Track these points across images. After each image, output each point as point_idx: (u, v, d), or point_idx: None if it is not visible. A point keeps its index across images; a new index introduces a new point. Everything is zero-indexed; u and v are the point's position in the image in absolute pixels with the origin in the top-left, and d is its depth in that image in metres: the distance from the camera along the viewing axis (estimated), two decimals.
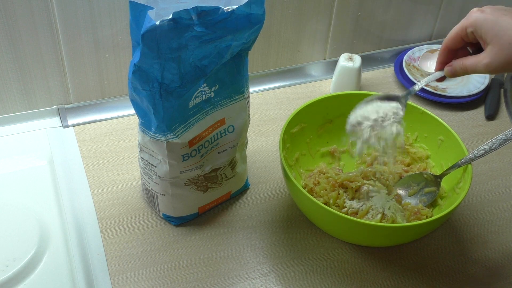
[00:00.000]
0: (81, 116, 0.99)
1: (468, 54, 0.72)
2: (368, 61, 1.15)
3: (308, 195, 0.75)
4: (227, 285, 0.77)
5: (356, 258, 0.81)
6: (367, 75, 1.13)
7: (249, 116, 0.82)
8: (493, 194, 0.92)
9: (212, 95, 0.74)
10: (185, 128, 0.74)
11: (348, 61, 1.05)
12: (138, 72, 0.68)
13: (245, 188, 0.90)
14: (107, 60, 0.97)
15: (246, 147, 0.86)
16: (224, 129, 0.78)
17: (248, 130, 0.87)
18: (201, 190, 0.81)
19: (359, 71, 1.05)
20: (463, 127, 1.04)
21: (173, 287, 0.77)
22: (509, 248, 0.84)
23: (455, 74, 0.72)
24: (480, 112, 1.08)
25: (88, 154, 0.93)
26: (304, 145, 0.91)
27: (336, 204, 0.83)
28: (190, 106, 0.73)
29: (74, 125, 0.98)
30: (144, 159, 0.79)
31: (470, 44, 0.71)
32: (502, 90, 1.12)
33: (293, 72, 1.13)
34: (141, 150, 0.79)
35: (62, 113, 0.99)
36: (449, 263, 0.82)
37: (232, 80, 0.75)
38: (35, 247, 0.79)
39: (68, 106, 1.00)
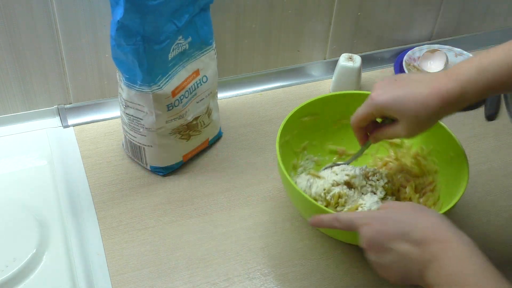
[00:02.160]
0: (81, 116, 0.99)
1: (377, 124, 0.78)
2: (368, 61, 1.15)
3: (305, 195, 0.75)
4: (227, 285, 0.77)
5: (356, 258, 0.81)
6: (367, 75, 1.13)
7: (216, 66, 0.90)
8: (493, 194, 0.92)
9: (187, 47, 0.83)
10: (167, 79, 0.82)
11: (348, 61, 1.05)
12: (122, 29, 0.75)
13: (219, 136, 0.98)
14: (107, 60, 0.97)
15: (217, 96, 0.94)
16: (199, 79, 0.87)
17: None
18: (184, 138, 0.89)
19: (359, 71, 1.05)
20: (463, 127, 1.04)
21: (173, 287, 0.77)
22: (509, 248, 0.84)
23: (379, 141, 0.80)
24: (480, 112, 1.08)
25: (88, 154, 0.93)
26: (316, 136, 0.90)
27: (336, 204, 0.83)
28: (169, 58, 0.80)
29: (74, 125, 0.98)
30: (129, 115, 0.86)
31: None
32: None
33: (293, 72, 1.13)
34: (126, 106, 0.85)
35: (62, 113, 0.99)
36: None
37: (201, 33, 0.84)
38: (35, 247, 0.79)
39: (68, 106, 1.00)
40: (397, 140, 0.91)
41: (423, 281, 0.60)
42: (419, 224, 0.61)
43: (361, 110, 0.75)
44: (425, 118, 0.71)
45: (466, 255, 0.58)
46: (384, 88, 0.72)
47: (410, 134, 0.73)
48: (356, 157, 0.86)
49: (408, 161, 0.90)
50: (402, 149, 0.91)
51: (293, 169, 0.89)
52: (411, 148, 0.90)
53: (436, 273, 0.58)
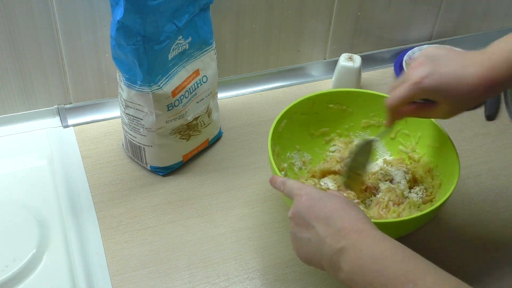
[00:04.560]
0: (81, 116, 0.99)
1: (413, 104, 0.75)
2: (368, 61, 1.15)
3: (271, 158, 0.78)
4: (227, 285, 0.77)
5: None
6: (367, 75, 1.13)
7: (216, 66, 0.91)
8: (493, 194, 0.92)
9: (187, 47, 0.83)
10: (167, 79, 0.82)
11: (348, 61, 1.05)
12: (122, 29, 0.75)
13: (219, 136, 0.98)
14: (107, 60, 0.97)
15: (217, 96, 0.94)
16: (200, 79, 0.87)
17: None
18: (184, 138, 0.90)
19: (359, 71, 1.05)
20: (463, 127, 1.04)
21: (173, 287, 0.77)
22: (509, 248, 0.84)
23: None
24: (480, 112, 1.08)
25: (88, 154, 0.93)
26: (339, 126, 0.92)
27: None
28: (169, 59, 0.81)
29: (74, 125, 0.98)
30: (129, 115, 0.86)
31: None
32: None
33: (293, 72, 1.13)
34: (126, 106, 0.85)
35: (62, 113, 0.99)
36: (449, 263, 0.82)
37: (201, 33, 0.85)
38: (35, 247, 0.79)
39: (68, 106, 1.00)
40: (415, 156, 0.90)
41: (331, 266, 0.62)
42: (343, 214, 0.64)
43: (401, 93, 0.71)
44: (471, 101, 0.70)
45: (380, 238, 0.61)
46: (427, 69, 0.69)
47: (449, 116, 0.73)
48: (383, 134, 0.86)
49: (419, 171, 0.88)
50: (419, 163, 0.89)
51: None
52: (427, 165, 0.88)
53: (352, 260, 0.60)
